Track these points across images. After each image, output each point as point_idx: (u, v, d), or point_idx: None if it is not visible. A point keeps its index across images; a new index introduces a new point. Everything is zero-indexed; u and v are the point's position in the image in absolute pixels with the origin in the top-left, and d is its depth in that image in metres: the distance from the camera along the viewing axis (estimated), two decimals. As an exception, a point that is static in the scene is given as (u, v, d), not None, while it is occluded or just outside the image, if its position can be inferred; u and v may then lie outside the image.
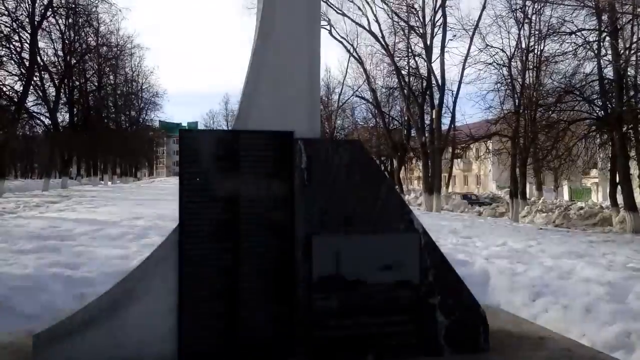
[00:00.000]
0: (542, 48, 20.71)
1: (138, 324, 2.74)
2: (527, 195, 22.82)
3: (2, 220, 9.43)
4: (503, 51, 21.70)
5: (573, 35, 15.91)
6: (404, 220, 2.88)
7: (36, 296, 4.26)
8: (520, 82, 20.71)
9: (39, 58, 24.15)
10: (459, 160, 33.83)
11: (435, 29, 22.21)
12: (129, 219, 9.68)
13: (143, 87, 49.99)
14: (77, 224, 8.83)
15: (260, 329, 2.86)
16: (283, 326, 2.88)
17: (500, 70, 21.66)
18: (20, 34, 22.30)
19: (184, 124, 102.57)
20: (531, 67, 20.90)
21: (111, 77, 40.80)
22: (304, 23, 3.07)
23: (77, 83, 33.73)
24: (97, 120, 35.04)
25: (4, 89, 22.25)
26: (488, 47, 21.31)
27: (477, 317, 2.89)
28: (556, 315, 4.07)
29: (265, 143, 2.97)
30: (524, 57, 20.89)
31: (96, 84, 37.07)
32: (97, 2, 26.55)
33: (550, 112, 17.57)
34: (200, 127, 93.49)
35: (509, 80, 20.87)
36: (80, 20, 28.99)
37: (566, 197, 34.45)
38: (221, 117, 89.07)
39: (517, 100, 20.19)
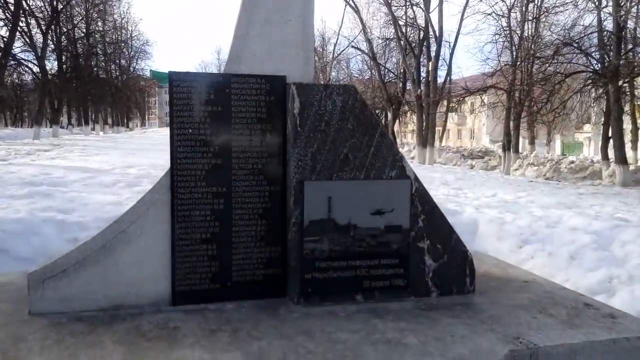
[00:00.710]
0: (542, -2, 20.18)
1: (131, 265, 2.78)
2: (520, 149, 22.92)
3: (-7, 167, 9.37)
4: (503, 1, 21.15)
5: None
6: (396, 167, 2.89)
7: (29, 239, 4.31)
8: (519, 34, 20.31)
9: (24, 2, 23.23)
10: (454, 113, 33.64)
11: (434, -23, 21.48)
12: (122, 168, 9.66)
13: (133, 35, 48.60)
14: (69, 171, 8.80)
15: (253, 270, 2.93)
16: (276, 268, 2.95)
17: (499, 21, 21.22)
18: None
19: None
20: (530, 18, 20.45)
21: (99, 23, 39.60)
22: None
23: (65, 29, 32.69)
24: (86, 68, 34.21)
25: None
26: (488, -4, 20.72)
27: (464, 261, 2.97)
28: (542, 261, 4.19)
29: (257, 87, 2.92)
30: (523, 8, 20.39)
31: (84, 30, 35.97)
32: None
33: (547, 65, 17.35)
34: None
35: (508, 32, 20.46)
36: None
37: (558, 151, 34.60)
38: (214, 67, 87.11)
39: (514, 53, 19.87)
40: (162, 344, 2.34)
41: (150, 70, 64.25)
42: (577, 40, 15.65)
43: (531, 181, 12.85)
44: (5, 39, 21.47)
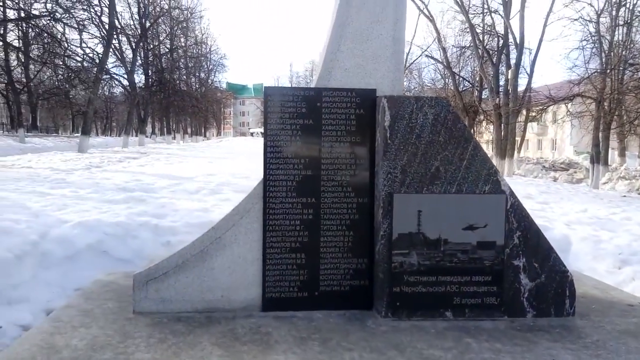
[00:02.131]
0: (635, 2, 18.76)
1: (225, 270, 2.92)
2: (609, 162, 21.31)
3: (90, 173, 10.19)
4: (591, 5, 19.95)
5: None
6: (490, 181, 2.80)
7: (128, 242, 4.61)
8: (609, 40, 18.98)
9: (116, 21, 25.22)
10: (535, 123, 31.99)
11: (515, -18, 20.63)
12: (204, 175, 10.12)
13: (212, 50, 51.08)
14: (157, 178, 9.37)
15: (340, 280, 2.96)
16: (362, 279, 2.96)
17: (587, 27, 19.95)
18: (100, -1, 23.32)
19: (250, 85, 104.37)
20: (621, 22, 19.04)
21: (182, 39, 41.98)
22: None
23: (151, 46, 35.03)
24: (170, 82, 36.40)
25: (87, 50, 23.59)
26: (574, 1, 19.58)
27: (563, 281, 2.81)
28: (645, 285, 3.86)
29: (348, 100, 2.97)
30: (614, 12, 19.04)
31: (168, 46, 38.32)
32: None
33: (641, 72, 16.04)
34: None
35: (596, 38, 19.17)
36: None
37: (652, 164, 31.78)
38: (285, 79, 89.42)
39: (604, 60, 18.57)
40: (256, 349, 2.42)
41: (227, 83, 67.00)
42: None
43: (624, 196, 11.89)
44: (100, 56, 23.40)
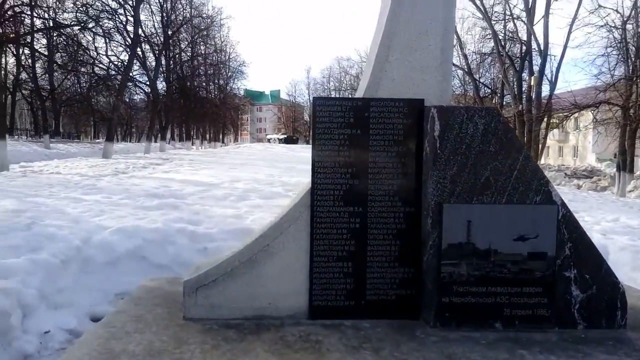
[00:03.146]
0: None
1: (273, 278, 2.94)
2: (635, 169, 20.91)
3: (118, 179, 10.37)
4: (617, 12, 19.62)
5: None
6: (541, 192, 2.79)
7: (165, 248, 4.68)
8: (635, 47, 18.69)
9: (140, 30, 25.72)
10: (557, 129, 31.55)
11: (539, -12, 20.50)
12: (229, 182, 10.22)
13: (230, 57, 51.58)
14: (184, 184, 9.49)
15: (387, 290, 2.96)
16: (409, 289, 2.96)
17: (612, 34, 19.67)
18: (125, 8, 23.83)
19: (267, 92, 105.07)
20: (648, 29, 18.75)
21: (202, 47, 42.49)
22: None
23: (173, 54, 35.57)
24: (191, 89, 36.89)
25: (112, 58, 24.09)
26: (599, 7, 19.36)
27: (615, 293, 2.77)
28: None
29: (396, 110, 2.99)
30: (640, 18, 18.77)
31: (189, 54, 38.85)
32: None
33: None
34: (283, 95, 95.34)
35: (622, 45, 18.89)
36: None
37: (679, 172, 31.03)
38: (303, 86, 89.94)
39: (630, 67, 18.28)
40: (309, 357, 2.44)
41: (244, 89, 67.51)
42: None
43: (654, 205, 11.67)
44: (124, 63, 23.88)
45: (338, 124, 2.98)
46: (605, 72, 19.88)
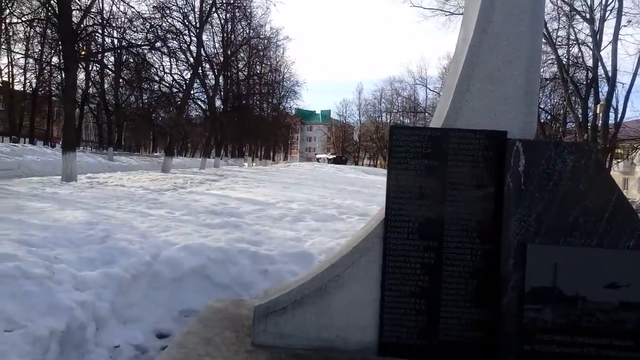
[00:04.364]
0: None
1: (342, 309, 2.88)
2: None
3: (178, 194, 10.69)
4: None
5: None
6: (635, 236, 2.59)
7: (227, 268, 4.72)
8: None
9: (202, 50, 26.82)
10: (620, 160, 29.95)
11: (607, 14, 19.75)
12: (284, 202, 10.30)
13: (285, 77, 52.68)
14: (240, 202, 9.65)
15: (461, 331, 2.82)
16: (486, 332, 2.81)
17: (687, 60, 18.56)
18: (189, 29, 25.00)
19: (318, 111, 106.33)
20: None
21: (258, 67, 43.66)
22: (527, 20, 2.89)
23: (230, 72, 36.76)
24: (245, 107, 37.88)
25: (176, 77, 25.21)
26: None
27: None
28: None
29: (476, 142, 2.89)
30: None
31: (246, 73, 40.01)
32: (252, -5, 28.52)
33: None
34: (334, 115, 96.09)
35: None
36: (238, 15, 31.48)
37: None
38: (354, 106, 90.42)
39: None
40: (382, 398, 2.34)
41: (296, 108, 68.57)
42: None
43: None
44: (186, 81, 24.91)
45: (415, 154, 2.91)
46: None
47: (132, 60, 24.11)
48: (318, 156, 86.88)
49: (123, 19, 20.63)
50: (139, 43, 19.08)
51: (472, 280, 2.85)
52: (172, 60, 23.16)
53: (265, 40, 39.61)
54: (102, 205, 7.54)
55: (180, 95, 24.00)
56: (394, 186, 2.92)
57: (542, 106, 27.39)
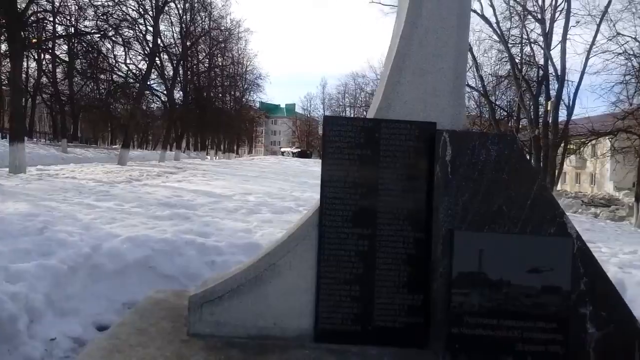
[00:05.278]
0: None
1: (278, 298, 2.91)
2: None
3: (132, 187, 10.45)
4: (636, 40, 19.46)
5: None
6: (555, 223, 2.73)
7: (174, 259, 4.66)
8: (655, 74, 18.50)
9: (159, 40, 26.16)
10: (573, 156, 31.26)
11: (557, 14, 20.50)
12: (241, 194, 10.24)
13: (247, 69, 52.10)
14: (196, 195, 9.53)
15: (395, 316, 2.90)
16: (417, 316, 2.90)
17: (630, 61, 19.51)
18: (145, 18, 24.30)
19: (282, 105, 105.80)
20: (669, 57, 18.55)
21: (220, 59, 43.00)
22: (454, 15, 2.98)
23: (190, 64, 36.05)
24: (206, 99, 37.28)
25: (131, 67, 24.50)
26: (618, 35, 19.25)
27: (633, 333, 2.67)
28: None
29: (407, 133, 2.96)
30: (660, 47, 18.60)
31: (207, 65, 39.34)
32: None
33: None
34: (298, 109, 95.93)
35: (641, 72, 18.73)
36: (196, 5, 30.86)
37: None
38: (318, 100, 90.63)
39: (649, 94, 18.10)
40: (312, 383, 2.39)
41: (260, 102, 67.99)
42: None
43: (671, 237, 11.41)
44: (143, 72, 24.27)
45: (348, 144, 2.96)
46: (624, 100, 19.71)
47: (85, 50, 23.23)
48: (283, 150, 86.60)
49: (73, 6, 19.87)
50: (91, 31, 18.41)
51: (404, 266, 2.93)
52: (126, 50, 22.43)
53: (226, 32, 39.06)
54: (47, 198, 7.29)
55: (137, 86, 23.33)
56: (329, 175, 2.96)
57: (497, 103, 28.23)
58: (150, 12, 24.03)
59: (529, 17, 22.05)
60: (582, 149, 22.42)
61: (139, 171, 15.85)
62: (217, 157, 44.89)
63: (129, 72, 25.45)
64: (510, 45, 22.29)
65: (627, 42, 19.28)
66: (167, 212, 6.46)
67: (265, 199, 9.88)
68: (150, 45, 23.66)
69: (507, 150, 2.79)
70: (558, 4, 20.51)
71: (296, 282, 2.93)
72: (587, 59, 19.69)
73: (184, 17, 31.13)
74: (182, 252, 4.73)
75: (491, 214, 2.75)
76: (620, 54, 19.28)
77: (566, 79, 20.44)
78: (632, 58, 19.28)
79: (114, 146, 42.12)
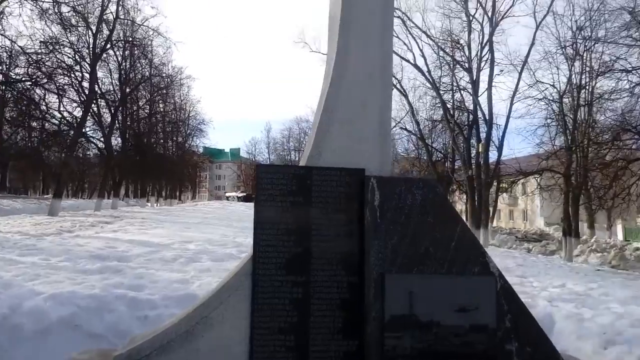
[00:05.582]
0: (594, 84, 20.21)
1: (211, 351, 2.80)
2: (580, 234, 21.92)
3: (62, 239, 9.85)
4: (554, 87, 21.27)
5: (629, 73, 15.44)
6: (479, 263, 2.85)
7: (102, 316, 4.39)
8: (572, 118, 20.18)
9: (97, 87, 25.54)
10: (505, 194, 33.02)
11: (482, 64, 22.10)
12: (180, 242, 9.92)
13: (190, 115, 51.68)
14: (132, 245, 9.12)
15: (329, 364, 2.86)
16: (352, 363, 2.87)
17: (551, 106, 21.23)
18: (82, 65, 23.76)
19: (227, 150, 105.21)
20: (583, 103, 20.35)
21: (161, 105, 42.45)
22: (378, 70, 3.16)
23: (130, 110, 35.31)
24: (147, 146, 36.41)
25: (65, 114, 23.63)
26: (538, 82, 20.98)
27: (556, 367, 2.79)
28: (631, 366, 3.85)
29: (337, 179, 3.03)
30: (575, 94, 20.40)
31: (147, 111, 38.68)
32: (152, 36, 27.94)
33: (605, 150, 16.97)
34: (243, 154, 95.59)
35: (560, 117, 20.38)
36: (136, 53, 30.59)
37: (620, 236, 32.77)
38: (263, 144, 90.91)
39: (569, 137, 19.64)
40: None
41: (204, 147, 67.23)
42: (635, 127, 15.31)
43: (598, 270, 12.13)
44: (78, 119, 23.44)
45: (281, 191, 2.98)
46: (547, 142, 21.26)
47: (18, 98, 22.23)
48: (228, 194, 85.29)
49: (4, 53, 19.10)
50: (21, 79, 17.70)
51: (339, 312, 2.92)
52: (60, 97, 21.66)
53: (168, 79, 38.78)
54: (-37, 255, 6.72)
55: (71, 133, 22.44)
56: (261, 223, 2.95)
57: (434, 145, 29.53)
58: (87, 59, 23.56)
59: (458, 66, 23.66)
60: (512, 187, 23.70)
61: (72, 222, 15.01)
62: (158, 204, 43.45)
63: (62, 120, 24.50)
64: (442, 92, 23.65)
65: (547, 88, 21.04)
66: (98, 265, 6.12)
67: (205, 246, 9.61)
68: (87, 92, 23.03)
69: (431, 194, 2.92)
70: (483, 55, 22.17)
71: (229, 334, 2.84)
72: (511, 104, 21.21)
73: (124, 64, 30.73)
74: (112, 307, 4.47)
75: (419, 256, 2.83)
76: (540, 99, 20.96)
77: (494, 122, 21.88)
78: (552, 103, 21.02)
79: (45, 196, 39.83)
